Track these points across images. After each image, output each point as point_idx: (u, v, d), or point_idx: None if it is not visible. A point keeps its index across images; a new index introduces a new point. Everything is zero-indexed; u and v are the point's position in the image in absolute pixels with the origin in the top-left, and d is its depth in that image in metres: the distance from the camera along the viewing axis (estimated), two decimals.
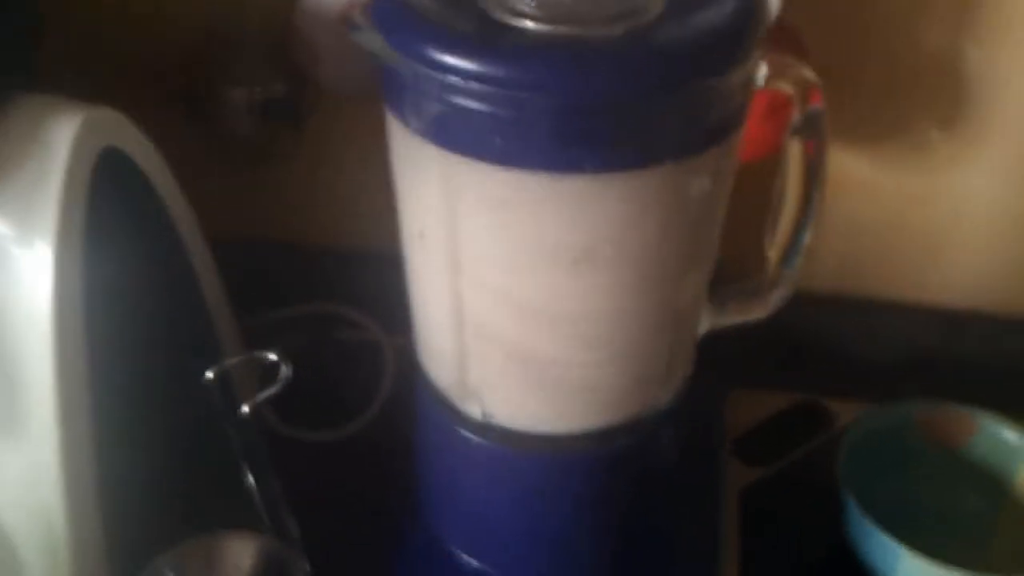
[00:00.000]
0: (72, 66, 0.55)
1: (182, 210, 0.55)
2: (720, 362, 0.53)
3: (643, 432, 0.47)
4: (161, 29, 0.63)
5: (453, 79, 0.35)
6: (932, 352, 0.70)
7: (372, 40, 0.38)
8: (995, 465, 0.59)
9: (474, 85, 0.35)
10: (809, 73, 0.41)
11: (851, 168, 0.64)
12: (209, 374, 0.47)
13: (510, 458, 0.46)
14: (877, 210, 0.66)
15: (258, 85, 0.58)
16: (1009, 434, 0.59)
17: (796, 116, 0.42)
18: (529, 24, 0.36)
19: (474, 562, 0.51)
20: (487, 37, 0.36)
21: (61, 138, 0.45)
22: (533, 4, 0.36)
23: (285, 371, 0.47)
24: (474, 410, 0.46)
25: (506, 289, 0.41)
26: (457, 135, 0.37)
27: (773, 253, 0.46)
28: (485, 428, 0.46)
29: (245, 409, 0.47)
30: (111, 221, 0.48)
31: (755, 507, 0.60)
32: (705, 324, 0.47)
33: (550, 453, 0.46)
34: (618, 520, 0.51)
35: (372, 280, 0.63)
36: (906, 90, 0.62)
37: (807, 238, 0.45)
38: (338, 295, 0.70)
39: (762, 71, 0.40)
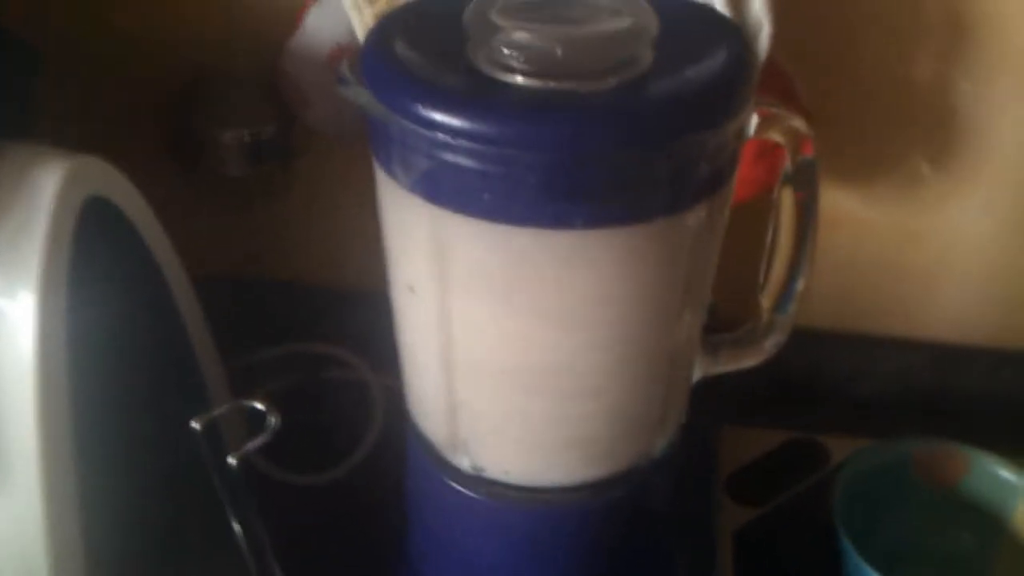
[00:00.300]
0: (55, 111, 0.55)
1: (168, 257, 0.54)
2: (712, 399, 0.52)
3: (637, 482, 0.46)
4: (149, 71, 0.63)
5: (441, 136, 0.35)
6: (926, 388, 0.70)
7: (360, 95, 0.37)
8: (991, 503, 0.59)
9: (463, 142, 0.35)
10: (800, 124, 0.41)
11: (844, 205, 0.64)
12: (195, 424, 0.46)
13: (500, 510, 0.46)
14: (870, 246, 0.66)
15: (247, 126, 0.58)
16: (1005, 472, 0.58)
17: (788, 165, 0.42)
18: (519, 79, 0.36)
19: None
20: (476, 93, 0.36)
21: (46, 187, 0.44)
22: (522, 59, 0.36)
23: (273, 421, 0.47)
24: (464, 462, 0.45)
25: (497, 343, 0.40)
26: (446, 190, 0.37)
27: (766, 300, 0.46)
28: (475, 481, 0.45)
29: (232, 460, 0.46)
30: (96, 270, 0.47)
31: (750, 547, 0.60)
32: (698, 372, 0.47)
33: (542, 506, 0.45)
34: (610, 568, 0.50)
35: (361, 320, 0.62)
36: (898, 127, 0.62)
37: (800, 285, 0.45)
38: (326, 335, 0.69)
39: (754, 121, 0.39)
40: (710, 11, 0.43)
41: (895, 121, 0.61)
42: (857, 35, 0.59)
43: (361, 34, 0.50)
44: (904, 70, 0.60)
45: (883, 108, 0.61)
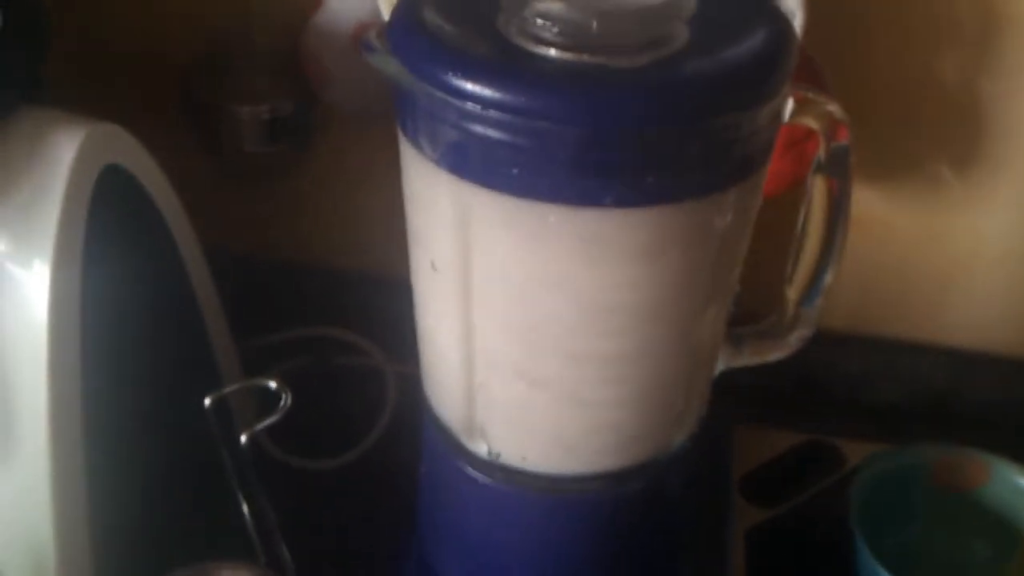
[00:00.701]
0: (76, 79, 0.54)
1: (184, 229, 0.54)
2: (728, 399, 0.51)
3: (654, 475, 0.45)
4: (168, 44, 0.62)
5: (471, 106, 0.34)
6: (944, 393, 0.70)
7: (388, 63, 0.36)
8: (1008, 511, 0.58)
9: (493, 113, 0.34)
10: (836, 109, 0.40)
11: (863, 206, 0.63)
12: (206, 401, 0.46)
13: (516, 498, 0.45)
14: (889, 248, 0.65)
15: (266, 103, 0.57)
16: (1023, 480, 0.57)
17: (821, 152, 0.41)
18: (551, 52, 0.35)
19: None
20: (508, 64, 0.35)
21: (62, 154, 0.44)
22: (556, 31, 0.35)
23: (285, 400, 0.46)
24: (481, 448, 0.44)
25: (520, 324, 0.39)
26: (473, 163, 0.36)
27: (793, 292, 0.45)
28: (491, 467, 0.44)
29: (243, 439, 0.46)
30: (111, 239, 0.47)
31: (762, 549, 0.59)
32: (721, 364, 0.46)
33: (558, 494, 0.44)
34: (624, 561, 0.49)
35: (376, 305, 0.62)
36: (920, 128, 0.61)
37: (829, 277, 0.44)
38: (340, 319, 0.69)
39: (789, 106, 0.39)
40: None
41: (916, 122, 0.61)
42: (879, 35, 0.58)
43: (386, 12, 0.50)
44: (926, 71, 0.59)
45: (903, 109, 0.60)
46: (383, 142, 0.44)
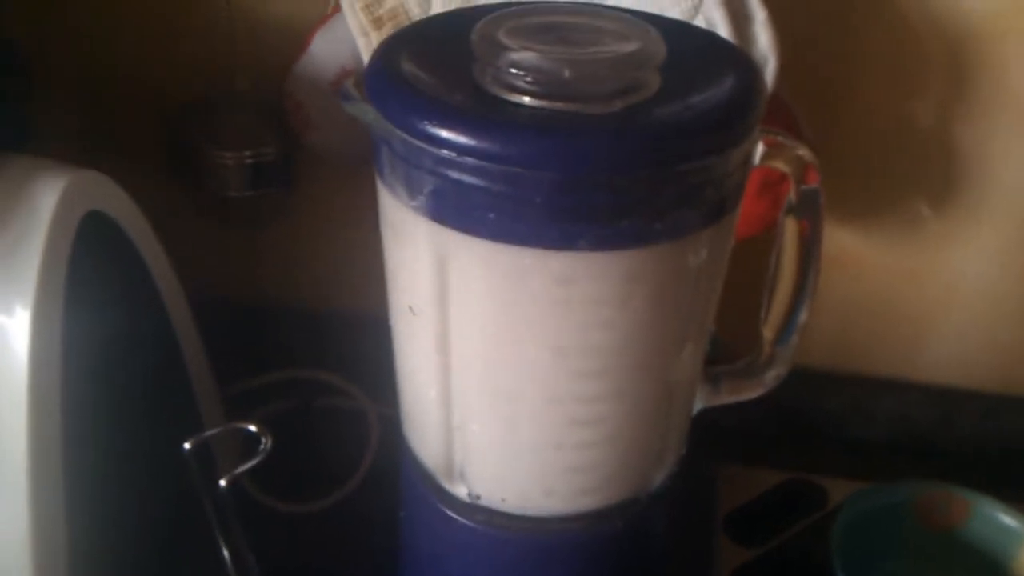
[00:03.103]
0: (59, 126, 0.54)
1: (166, 274, 0.54)
2: (711, 438, 0.52)
3: (635, 514, 0.45)
4: (153, 89, 0.63)
5: (447, 153, 0.35)
6: (925, 430, 0.70)
7: (365, 111, 0.37)
8: (991, 548, 0.58)
9: (469, 160, 0.34)
10: (805, 152, 0.41)
11: (843, 245, 0.64)
12: (187, 445, 0.46)
13: (496, 539, 0.45)
14: (869, 287, 0.66)
15: (249, 148, 0.58)
16: (1005, 518, 0.58)
17: (792, 195, 0.42)
18: (526, 100, 0.36)
19: None
20: (483, 112, 0.35)
21: (44, 201, 0.44)
22: (530, 79, 0.36)
23: (265, 444, 0.46)
24: (460, 490, 0.44)
25: (497, 366, 0.40)
26: (450, 209, 0.37)
27: (768, 331, 0.45)
28: (472, 509, 0.44)
29: (223, 483, 0.45)
30: (93, 286, 0.47)
31: None
32: (699, 403, 0.46)
33: (539, 535, 0.44)
34: None
35: (359, 346, 0.62)
36: (897, 167, 0.62)
37: (803, 316, 0.44)
38: (324, 361, 0.69)
39: (759, 149, 0.39)
40: (719, 39, 0.43)
41: (895, 161, 0.62)
42: (858, 76, 0.59)
43: (367, 58, 0.50)
44: (904, 111, 0.60)
45: (883, 148, 0.61)
46: (364, 186, 0.44)
